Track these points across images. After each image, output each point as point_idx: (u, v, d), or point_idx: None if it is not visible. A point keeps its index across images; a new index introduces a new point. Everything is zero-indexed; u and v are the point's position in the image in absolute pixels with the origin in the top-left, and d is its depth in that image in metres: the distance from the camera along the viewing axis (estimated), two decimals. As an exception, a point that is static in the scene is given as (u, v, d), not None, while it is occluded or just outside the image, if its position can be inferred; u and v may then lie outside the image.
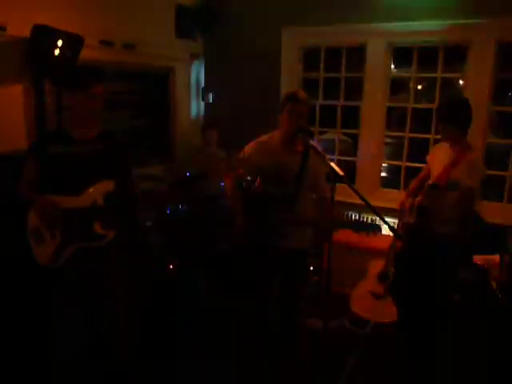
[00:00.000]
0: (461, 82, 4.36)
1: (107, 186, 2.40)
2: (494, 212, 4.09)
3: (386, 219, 2.44)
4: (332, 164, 2.22)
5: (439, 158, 3.12)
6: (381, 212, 2.47)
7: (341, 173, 2.20)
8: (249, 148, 3.05)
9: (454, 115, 2.94)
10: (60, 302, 2.52)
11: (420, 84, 6.04)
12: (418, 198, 3.04)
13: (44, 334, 2.83)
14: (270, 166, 2.91)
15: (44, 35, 3.18)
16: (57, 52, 3.26)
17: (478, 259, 3.87)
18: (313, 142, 2.57)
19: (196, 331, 3.60)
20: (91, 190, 2.38)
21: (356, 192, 2.20)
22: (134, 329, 2.67)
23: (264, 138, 3.05)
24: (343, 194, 4.54)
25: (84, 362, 2.58)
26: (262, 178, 2.99)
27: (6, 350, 2.84)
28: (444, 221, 2.98)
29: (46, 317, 2.63)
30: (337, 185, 2.30)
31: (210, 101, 5.28)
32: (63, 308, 2.51)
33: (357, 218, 2.62)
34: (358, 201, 4.68)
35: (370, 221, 2.60)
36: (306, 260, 3.22)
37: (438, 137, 3.44)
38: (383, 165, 4.95)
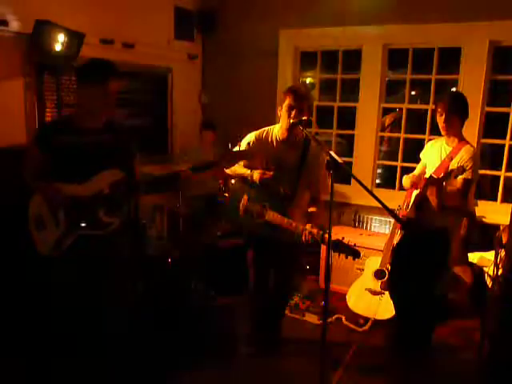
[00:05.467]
0: (453, 89, 4.43)
1: (113, 174, 2.42)
2: (488, 211, 4.15)
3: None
4: (331, 152, 2.26)
5: (435, 153, 3.16)
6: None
7: (340, 161, 2.23)
8: (246, 142, 3.04)
9: (461, 107, 3.04)
10: (60, 290, 2.52)
11: (414, 90, 6.12)
12: (416, 192, 3.08)
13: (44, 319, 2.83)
14: (269, 160, 2.92)
15: (46, 30, 3.22)
16: (58, 47, 3.30)
17: (473, 257, 3.92)
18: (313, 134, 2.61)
19: (192, 330, 3.59)
20: (97, 178, 2.40)
21: (354, 177, 2.23)
22: (134, 319, 2.68)
23: (261, 131, 3.03)
24: (339, 195, 4.65)
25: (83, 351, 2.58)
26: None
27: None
28: (441, 211, 3.02)
29: (46, 304, 2.62)
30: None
31: (208, 101, 5.33)
32: (63, 295, 2.51)
33: (341, 239, 2.66)
34: (354, 201, 4.79)
35: (352, 245, 2.65)
36: (296, 253, 3.22)
37: (433, 137, 3.50)
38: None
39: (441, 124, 3.07)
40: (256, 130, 3.08)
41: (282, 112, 2.86)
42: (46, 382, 2.80)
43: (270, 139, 2.98)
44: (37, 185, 2.42)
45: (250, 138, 3.03)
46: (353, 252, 2.64)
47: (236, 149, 3.01)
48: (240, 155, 2.66)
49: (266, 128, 3.05)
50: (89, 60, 2.48)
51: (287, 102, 2.82)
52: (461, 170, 2.83)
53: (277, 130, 2.98)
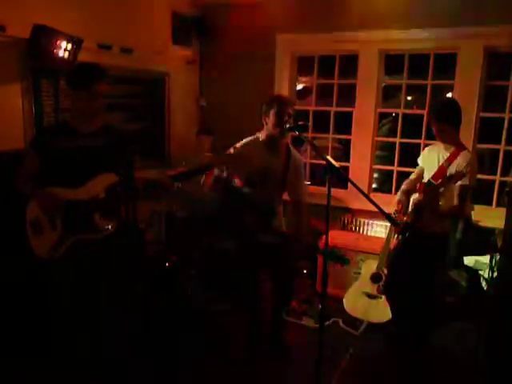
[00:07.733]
0: (449, 94, 4.47)
1: (109, 178, 2.43)
2: (483, 215, 4.17)
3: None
4: (328, 157, 2.27)
5: (433, 158, 3.19)
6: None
7: (337, 165, 2.25)
8: (235, 149, 3.04)
9: (450, 114, 3.05)
10: (57, 294, 2.53)
11: (410, 95, 6.15)
12: (415, 197, 3.09)
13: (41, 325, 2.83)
14: (255, 168, 2.92)
15: (43, 35, 3.21)
16: (56, 52, 3.30)
17: (469, 261, 3.94)
18: (308, 138, 2.63)
19: (189, 332, 3.60)
20: (93, 182, 2.41)
21: (351, 182, 2.25)
22: (130, 321, 2.69)
23: (248, 140, 3.04)
24: (336, 199, 4.67)
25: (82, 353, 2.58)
26: (248, 180, 3.01)
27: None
28: (439, 217, 3.04)
29: (44, 307, 2.63)
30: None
31: (205, 106, 5.35)
32: (60, 299, 2.52)
33: (334, 247, 2.69)
34: (350, 205, 4.81)
35: (341, 253, 2.69)
36: (293, 257, 3.24)
37: (429, 142, 3.52)
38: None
39: (434, 132, 3.10)
40: (252, 135, 3.10)
41: (270, 120, 2.89)
42: (45, 382, 2.80)
43: (256, 148, 2.99)
44: (30, 191, 2.43)
45: (239, 146, 3.04)
46: (341, 259, 2.67)
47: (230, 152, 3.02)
48: (231, 159, 2.65)
49: (252, 137, 3.06)
50: (76, 65, 2.50)
51: (275, 109, 2.85)
52: (460, 175, 2.85)
53: (262, 137, 3.00)
